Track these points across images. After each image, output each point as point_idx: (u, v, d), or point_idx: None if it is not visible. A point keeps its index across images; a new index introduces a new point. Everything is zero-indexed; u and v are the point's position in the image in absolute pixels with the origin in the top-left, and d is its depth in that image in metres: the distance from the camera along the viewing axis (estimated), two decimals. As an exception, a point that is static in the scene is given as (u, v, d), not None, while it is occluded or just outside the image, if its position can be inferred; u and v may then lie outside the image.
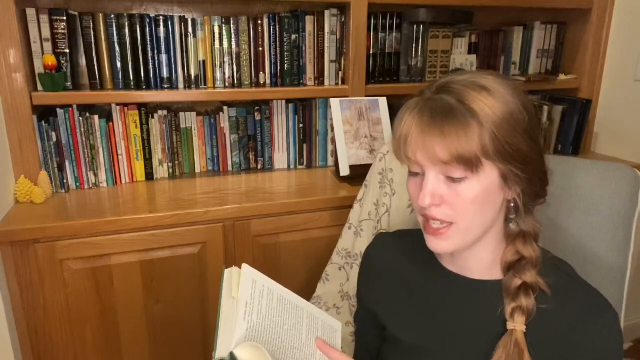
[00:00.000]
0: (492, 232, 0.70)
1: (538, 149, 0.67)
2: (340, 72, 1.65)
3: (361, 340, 0.92)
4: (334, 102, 1.55)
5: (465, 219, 0.65)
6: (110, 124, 1.45)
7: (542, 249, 0.72)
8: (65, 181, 1.42)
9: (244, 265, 0.71)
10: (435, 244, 0.68)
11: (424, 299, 0.77)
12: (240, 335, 0.65)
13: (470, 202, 0.64)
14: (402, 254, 0.83)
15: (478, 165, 0.63)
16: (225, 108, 1.60)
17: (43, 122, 1.35)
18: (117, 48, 1.43)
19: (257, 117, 1.62)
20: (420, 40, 1.69)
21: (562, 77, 1.89)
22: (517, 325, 0.66)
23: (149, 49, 1.46)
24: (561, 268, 0.72)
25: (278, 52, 1.58)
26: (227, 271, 0.70)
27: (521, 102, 0.65)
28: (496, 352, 0.66)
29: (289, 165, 1.71)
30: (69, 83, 1.40)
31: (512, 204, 0.69)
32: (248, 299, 0.68)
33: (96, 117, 1.43)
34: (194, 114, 1.58)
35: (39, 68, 1.36)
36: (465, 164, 0.62)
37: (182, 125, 1.58)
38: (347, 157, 1.53)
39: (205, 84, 1.55)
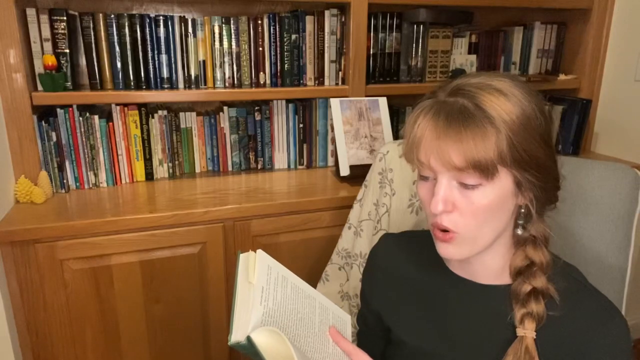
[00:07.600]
0: (502, 238, 0.69)
1: (552, 155, 0.66)
2: (340, 72, 1.65)
3: (363, 342, 0.91)
4: (334, 102, 1.55)
5: (475, 227, 0.64)
6: (110, 124, 1.45)
7: (553, 254, 0.71)
8: (65, 181, 1.42)
9: (259, 251, 0.70)
10: (444, 250, 0.67)
11: (431, 302, 0.76)
12: (256, 320, 0.64)
13: (483, 209, 0.63)
14: (409, 256, 0.82)
15: (494, 173, 0.61)
16: (225, 108, 1.60)
17: (43, 122, 1.35)
18: (117, 48, 1.43)
19: (257, 117, 1.62)
20: (420, 40, 1.69)
21: (562, 77, 1.89)
22: (527, 331, 0.65)
23: (149, 49, 1.46)
24: (570, 274, 0.71)
25: (278, 52, 1.57)
26: (242, 255, 0.69)
27: (537, 106, 0.63)
28: (506, 359, 0.65)
29: (289, 165, 1.71)
30: (69, 83, 1.40)
31: (523, 210, 0.67)
32: (264, 284, 0.67)
33: (96, 117, 1.43)
34: (194, 114, 1.58)
35: (39, 68, 1.36)
36: (481, 170, 0.60)
37: (182, 125, 1.58)
38: (347, 157, 1.53)
39: (205, 84, 1.55)
